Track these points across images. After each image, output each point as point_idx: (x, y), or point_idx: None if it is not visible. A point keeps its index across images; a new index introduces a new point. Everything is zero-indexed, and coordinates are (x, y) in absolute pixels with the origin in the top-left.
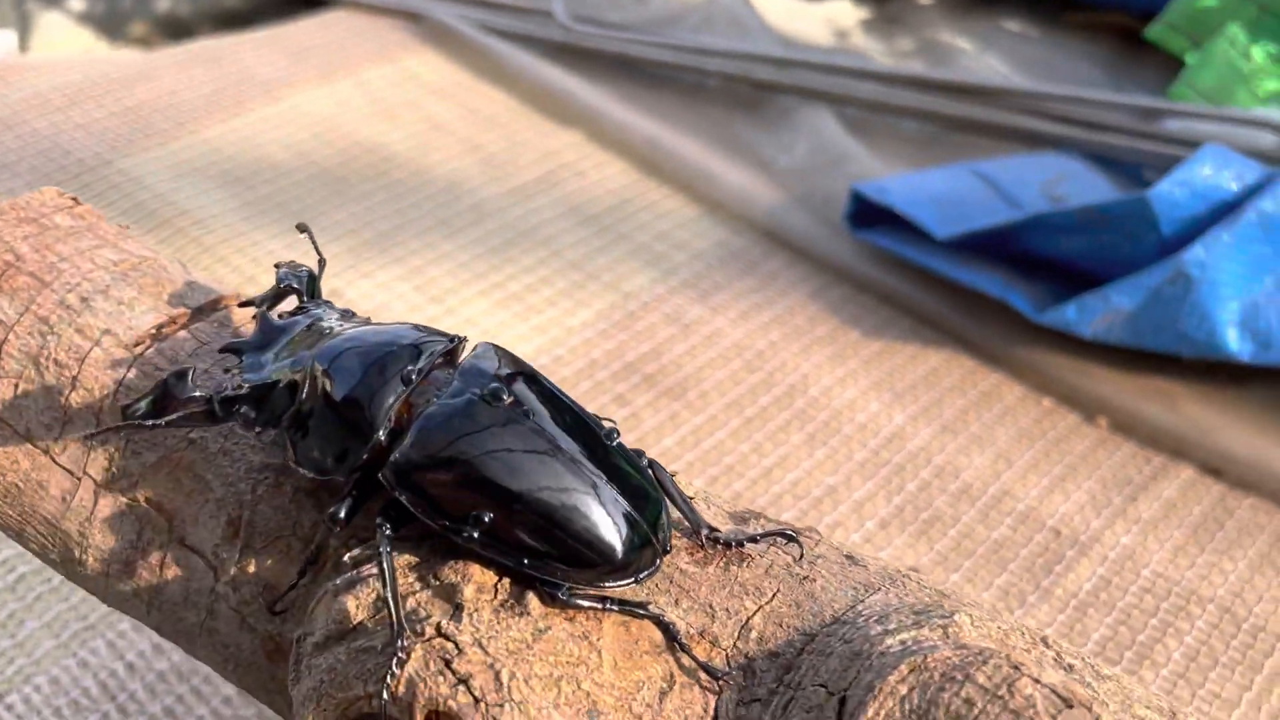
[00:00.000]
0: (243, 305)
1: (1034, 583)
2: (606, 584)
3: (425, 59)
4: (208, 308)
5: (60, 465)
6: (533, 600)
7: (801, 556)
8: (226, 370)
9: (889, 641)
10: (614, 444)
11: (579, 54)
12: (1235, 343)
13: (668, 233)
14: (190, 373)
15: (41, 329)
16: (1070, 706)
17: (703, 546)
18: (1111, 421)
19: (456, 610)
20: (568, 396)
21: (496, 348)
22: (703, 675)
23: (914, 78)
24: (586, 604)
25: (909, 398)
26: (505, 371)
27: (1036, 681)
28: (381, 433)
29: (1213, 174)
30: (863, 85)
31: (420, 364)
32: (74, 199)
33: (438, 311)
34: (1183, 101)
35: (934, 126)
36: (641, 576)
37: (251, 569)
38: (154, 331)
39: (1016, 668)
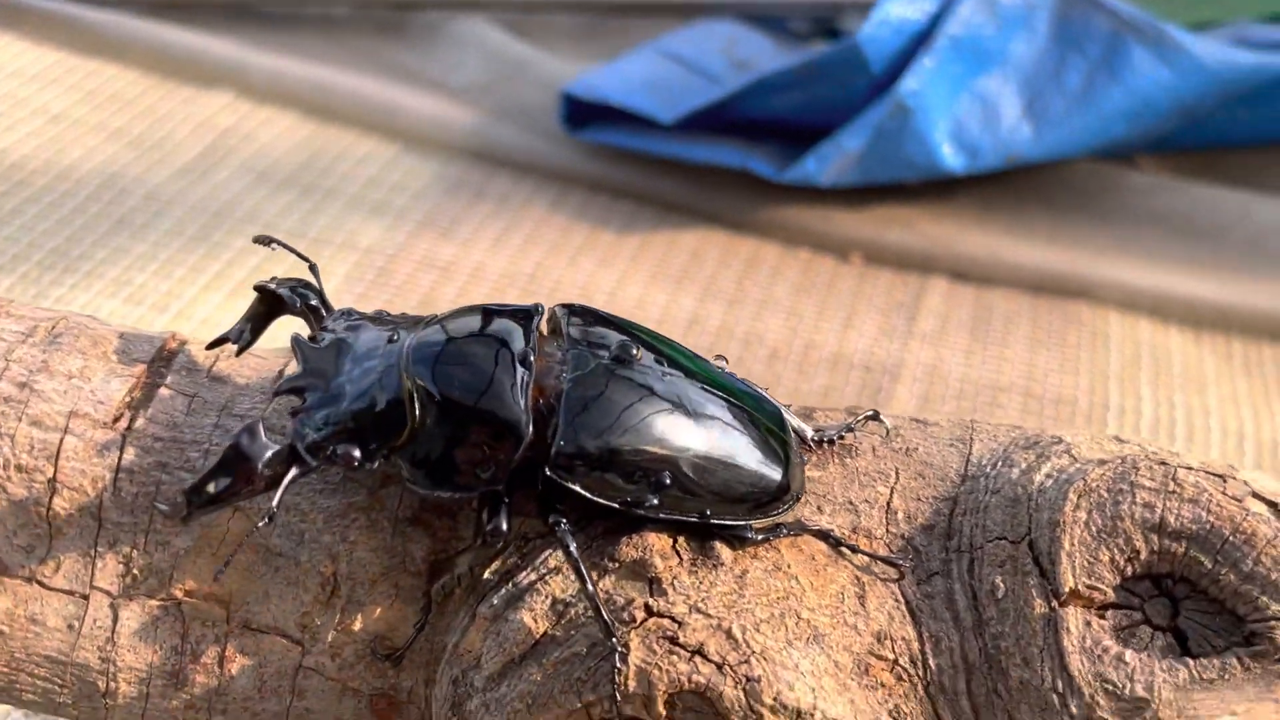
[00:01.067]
0: (213, 345)
1: None
2: (779, 511)
3: (4, 44)
4: (163, 356)
5: (56, 589)
6: (721, 549)
7: (889, 432)
8: (294, 413)
9: (1036, 479)
10: (727, 364)
11: (184, 8)
12: (951, 158)
13: (377, 177)
14: (258, 427)
15: None
16: (1223, 478)
17: (812, 450)
18: (864, 256)
19: (655, 585)
20: (660, 335)
21: (572, 305)
22: (879, 567)
23: None
24: (770, 537)
25: (687, 281)
26: (607, 327)
27: (1189, 468)
28: (528, 427)
29: (903, 8)
30: None
31: (529, 343)
32: None
33: (168, 320)
34: None
35: (586, 16)
36: (802, 495)
37: (357, 625)
38: (129, 399)
39: (1163, 463)
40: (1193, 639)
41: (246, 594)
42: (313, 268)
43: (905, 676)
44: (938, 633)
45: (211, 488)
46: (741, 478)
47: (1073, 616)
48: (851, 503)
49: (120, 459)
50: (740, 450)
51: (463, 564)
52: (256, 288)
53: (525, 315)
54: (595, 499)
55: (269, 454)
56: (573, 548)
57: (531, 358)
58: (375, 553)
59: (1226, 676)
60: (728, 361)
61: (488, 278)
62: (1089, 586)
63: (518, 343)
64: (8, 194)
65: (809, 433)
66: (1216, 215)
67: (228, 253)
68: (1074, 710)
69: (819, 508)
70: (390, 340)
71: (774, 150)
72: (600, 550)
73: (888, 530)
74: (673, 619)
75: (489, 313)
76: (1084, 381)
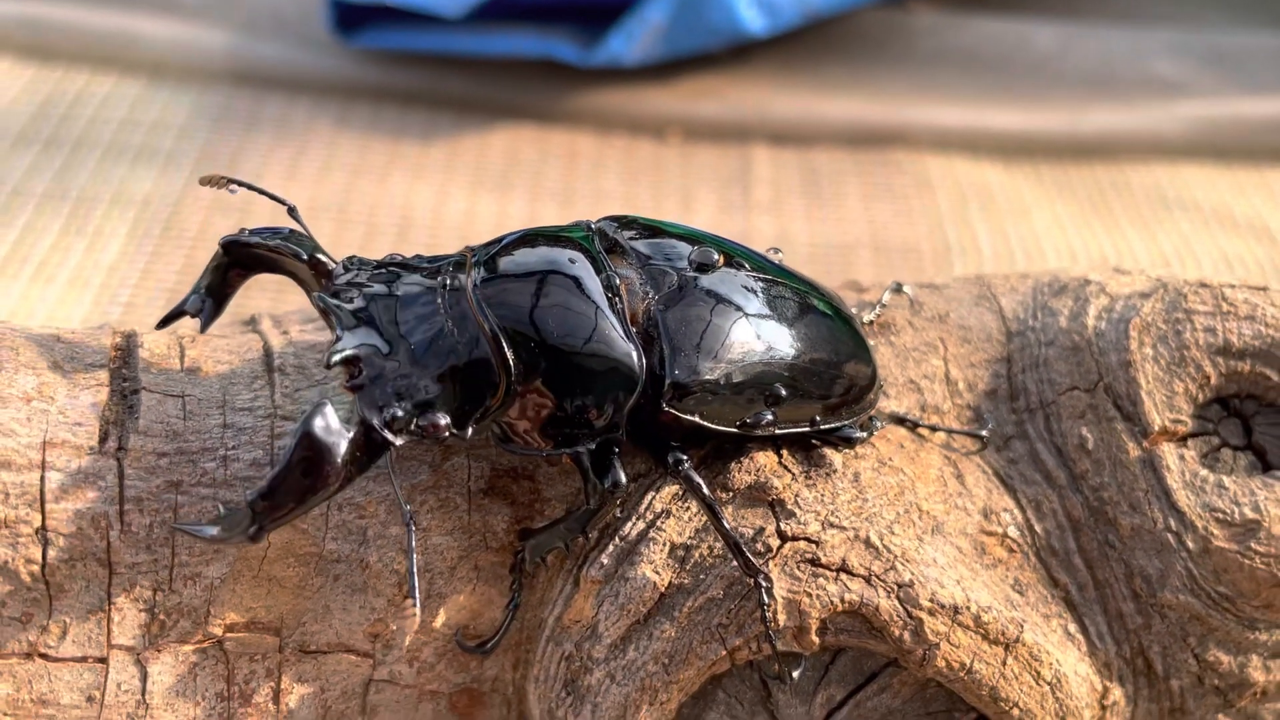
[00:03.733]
0: (164, 323)
1: None
2: (873, 404)
3: None
4: (118, 354)
5: (66, 659)
6: (830, 456)
7: (913, 302)
8: (354, 387)
9: (1089, 323)
10: (780, 256)
11: None
12: (753, 20)
13: (130, 118)
14: (329, 410)
15: None
16: (1264, 289)
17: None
18: (681, 133)
19: (778, 507)
20: (707, 233)
21: (618, 217)
22: (959, 442)
23: None
24: (871, 433)
25: (509, 185)
26: (666, 236)
27: (1233, 287)
28: (638, 359)
29: None
30: None
31: (607, 266)
32: None
33: None
34: None
35: None
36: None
37: (438, 620)
38: (108, 414)
39: (1204, 284)
40: (1271, 452)
41: (301, 613)
42: (292, 211)
43: (1015, 547)
44: (1035, 496)
45: (285, 493)
46: (845, 374)
47: (1169, 454)
48: (913, 381)
49: (122, 488)
50: (840, 347)
51: (562, 533)
52: (226, 243)
53: (581, 236)
54: (713, 426)
55: (349, 438)
56: (705, 488)
57: (617, 281)
58: (452, 535)
59: None
60: (783, 254)
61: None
62: (1173, 420)
63: (595, 268)
64: None
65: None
66: (998, 46)
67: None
68: (1190, 545)
69: (885, 392)
70: (440, 286)
71: (573, 32)
72: (707, 480)
73: (953, 403)
74: (808, 540)
75: (539, 238)
76: (921, 228)
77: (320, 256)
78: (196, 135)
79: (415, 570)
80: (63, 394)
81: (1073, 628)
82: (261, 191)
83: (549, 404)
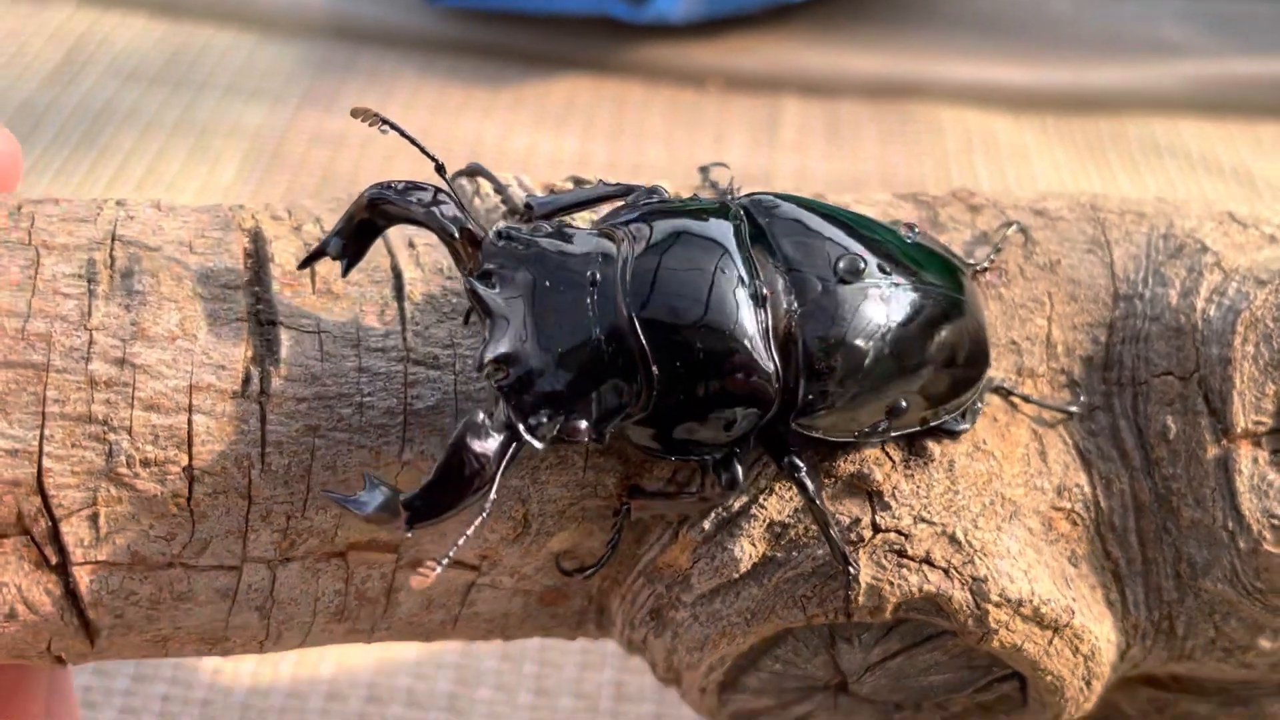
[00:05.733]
0: (305, 264)
1: None
2: (983, 389)
3: None
4: (252, 263)
5: (204, 567)
6: (930, 446)
7: (1026, 240)
8: (503, 389)
9: (1197, 305)
10: (915, 239)
11: None
12: None
13: (245, 65)
14: (478, 424)
15: (85, 432)
16: None
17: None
18: (720, 83)
19: (877, 498)
20: (847, 211)
21: (761, 200)
22: (1046, 414)
23: None
24: (973, 422)
25: (566, 125)
26: (810, 228)
27: None
28: (776, 381)
29: None
30: None
31: (755, 274)
32: None
33: None
34: None
35: None
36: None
37: (542, 550)
38: (250, 353)
39: None
40: None
41: (420, 537)
42: (440, 169)
43: (1079, 521)
44: (1108, 474)
45: (439, 500)
46: (966, 374)
47: (1244, 456)
48: (1014, 342)
49: (264, 432)
50: (964, 349)
51: (671, 507)
52: (372, 199)
53: (730, 227)
54: (833, 438)
55: (495, 450)
56: (818, 499)
57: (764, 291)
58: (566, 488)
59: None
60: (916, 230)
61: (379, 148)
62: (1255, 422)
63: (745, 277)
64: None
65: (967, 269)
66: (1015, 10)
67: (119, 153)
68: (1241, 545)
69: (991, 340)
70: (590, 283)
71: None
72: (812, 464)
73: (1049, 366)
74: (899, 532)
75: (692, 231)
76: (928, 168)
77: (470, 227)
78: (300, 80)
79: (455, 548)
80: (204, 331)
81: (1114, 596)
82: (412, 140)
83: (685, 417)
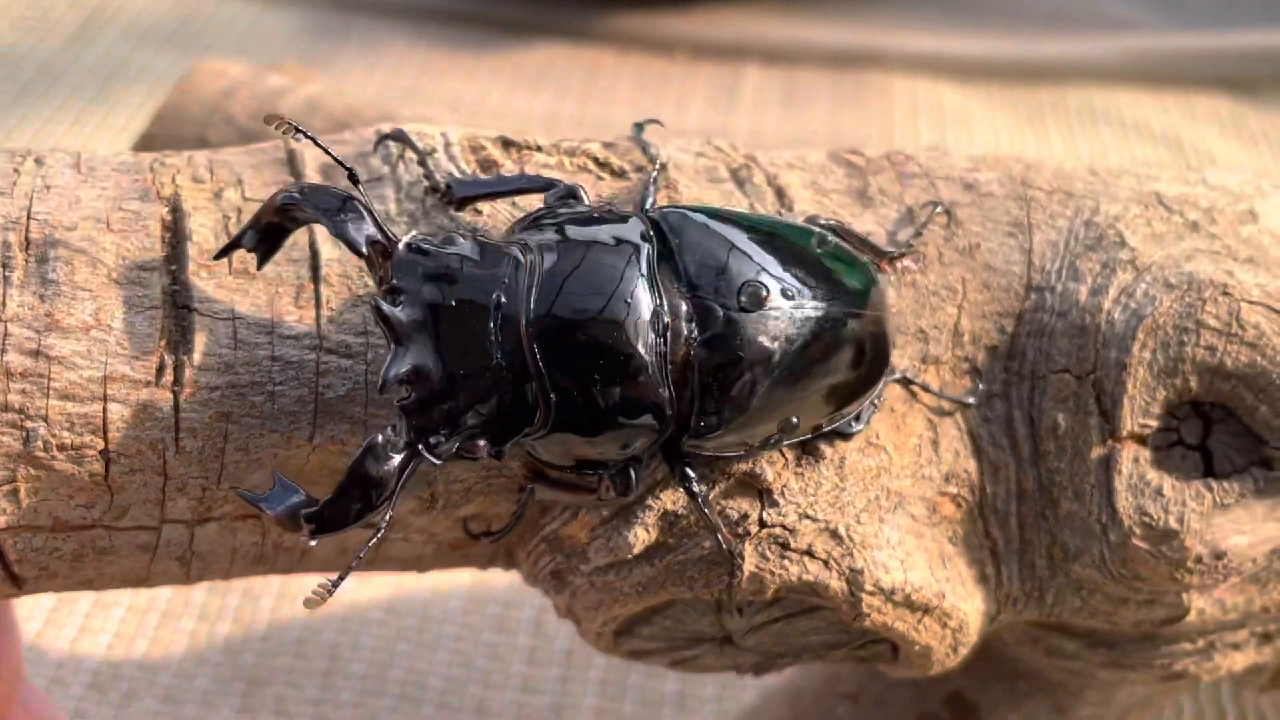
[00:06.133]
0: (221, 255)
1: None
2: (878, 394)
3: None
4: (170, 236)
5: (125, 528)
6: (820, 444)
7: (950, 220)
8: (406, 410)
9: (1104, 305)
10: (827, 249)
11: None
12: None
13: (249, 31)
14: (379, 445)
15: (2, 419)
16: None
17: (890, 272)
18: (688, 51)
19: (766, 495)
20: (760, 218)
21: (669, 215)
22: (945, 405)
23: None
24: (868, 421)
25: (540, 88)
26: (715, 242)
27: (1252, 303)
28: (670, 410)
29: None
30: None
31: (660, 301)
32: None
33: None
34: None
35: None
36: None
37: (449, 518)
38: (164, 341)
39: (1227, 292)
40: (1217, 456)
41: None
42: (352, 176)
43: (963, 504)
44: (997, 461)
45: (339, 516)
46: (863, 386)
47: (1126, 457)
48: (923, 330)
49: (178, 419)
50: (864, 362)
51: (569, 500)
52: (283, 206)
53: (637, 250)
54: (725, 455)
55: (394, 471)
56: (706, 506)
57: (665, 319)
58: (471, 469)
59: (1242, 497)
60: (830, 230)
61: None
62: (1142, 425)
63: (647, 303)
64: None
65: (885, 256)
66: None
67: (127, 108)
68: (1111, 538)
69: (893, 342)
70: (495, 301)
71: None
72: (707, 462)
73: (953, 353)
74: (784, 528)
75: (599, 248)
76: (872, 131)
77: (379, 239)
78: (298, 45)
79: (353, 562)
80: (119, 320)
81: (989, 570)
82: (325, 149)
83: (580, 439)
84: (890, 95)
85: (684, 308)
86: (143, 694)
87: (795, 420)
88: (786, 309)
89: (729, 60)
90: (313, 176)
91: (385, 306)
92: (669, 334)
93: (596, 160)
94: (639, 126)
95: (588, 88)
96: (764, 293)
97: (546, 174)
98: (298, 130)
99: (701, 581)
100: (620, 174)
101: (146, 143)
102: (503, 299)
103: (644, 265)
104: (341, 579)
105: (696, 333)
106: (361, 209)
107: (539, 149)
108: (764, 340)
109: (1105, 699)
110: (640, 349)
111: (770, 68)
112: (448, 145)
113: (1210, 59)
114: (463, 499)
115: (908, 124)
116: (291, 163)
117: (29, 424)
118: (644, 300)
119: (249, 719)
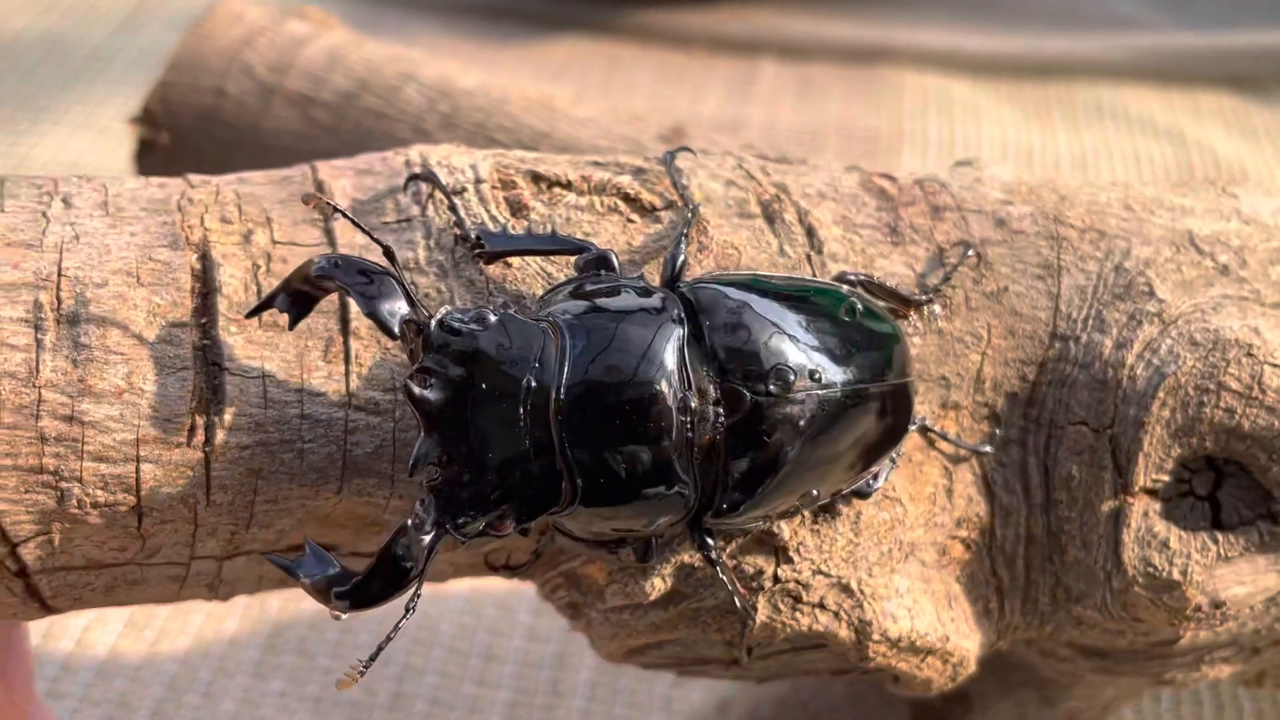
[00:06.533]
0: (253, 314)
1: None
2: (896, 454)
3: None
4: (200, 289)
5: (156, 564)
6: (838, 504)
7: (980, 262)
8: (434, 490)
9: (1127, 360)
10: (856, 315)
11: None
12: None
13: None
14: (410, 530)
15: (37, 480)
16: None
17: (916, 318)
18: (706, 46)
19: (782, 553)
20: (791, 284)
21: (701, 291)
22: (962, 452)
23: None
24: (886, 478)
25: (562, 79)
26: (746, 324)
27: (1275, 365)
28: (695, 495)
29: None
30: None
31: (687, 383)
32: None
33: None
34: None
35: None
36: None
37: (471, 553)
38: (194, 404)
39: (1251, 354)
40: (1225, 508)
41: (358, 542)
42: (388, 253)
43: (973, 546)
44: (1008, 505)
45: (370, 595)
46: (884, 446)
47: (1136, 511)
48: (945, 378)
49: (209, 476)
50: (886, 428)
51: (588, 554)
52: (316, 277)
53: (668, 333)
54: (747, 528)
55: (424, 551)
56: (723, 571)
57: (692, 403)
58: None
59: (1246, 550)
60: (860, 294)
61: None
62: (1154, 480)
63: (676, 388)
64: None
65: (912, 303)
66: None
67: None
68: (1114, 585)
69: (914, 398)
70: (526, 386)
71: None
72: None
73: (973, 399)
74: (798, 583)
75: (630, 335)
76: (884, 121)
77: (411, 318)
78: None
79: (384, 644)
80: (151, 383)
81: (993, 605)
82: (362, 228)
83: (603, 519)
84: (901, 89)
85: (712, 392)
86: (149, 680)
87: (816, 493)
88: (814, 391)
89: (746, 54)
90: (343, 208)
91: (416, 389)
92: (696, 418)
93: (627, 197)
94: (670, 154)
95: (607, 79)
96: (792, 377)
97: (577, 214)
98: (335, 209)
99: (715, 627)
100: (651, 211)
101: (163, 92)
102: (532, 384)
103: (673, 349)
104: (373, 659)
105: (724, 417)
106: (394, 284)
107: (569, 185)
108: (790, 425)
109: (1093, 694)
110: (666, 435)
111: (785, 62)
112: (478, 182)
113: (1216, 57)
114: (483, 541)
115: (917, 117)
116: (320, 192)
117: (64, 485)
118: (672, 385)
119: (251, 711)
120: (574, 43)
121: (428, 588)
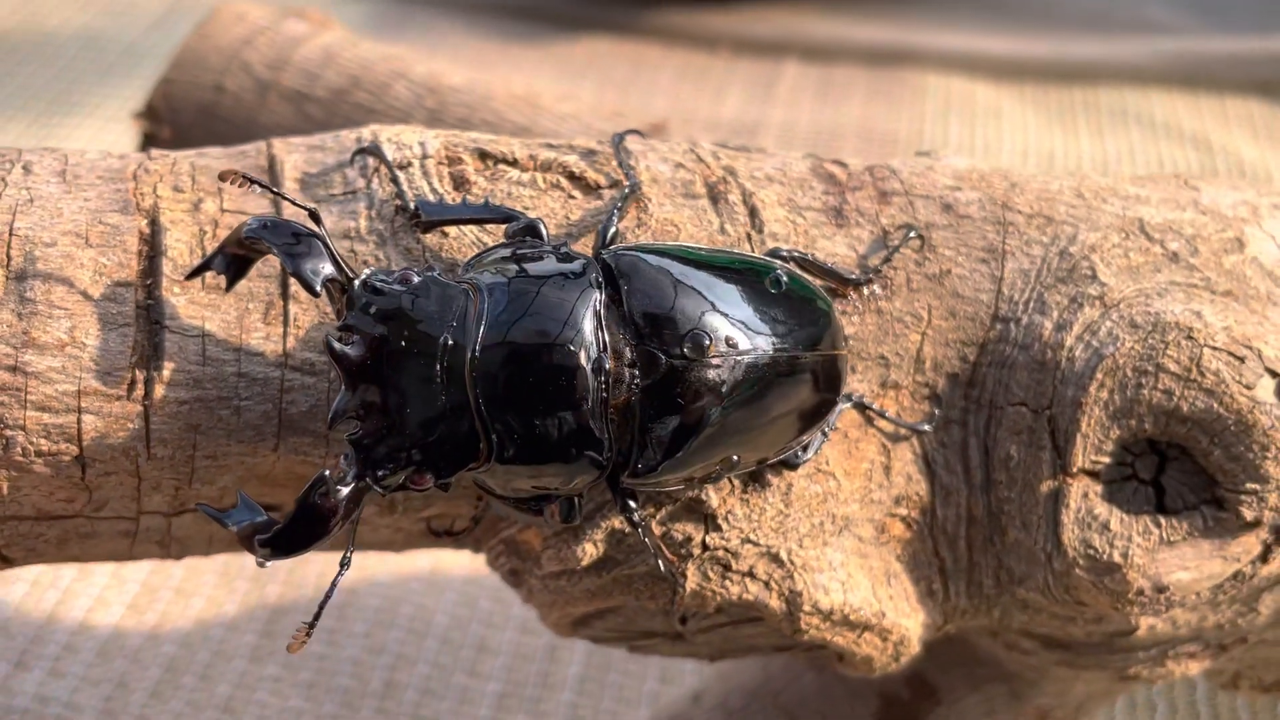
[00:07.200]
0: (192, 276)
1: None
2: (828, 423)
3: None
4: (147, 250)
5: (105, 518)
6: (767, 474)
7: (923, 245)
8: (356, 443)
9: (1066, 341)
10: (782, 286)
11: None
12: None
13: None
14: (329, 479)
15: None
16: (1242, 360)
17: (853, 299)
18: (730, 47)
19: (710, 521)
20: (717, 256)
21: (621, 259)
22: (901, 430)
23: None
24: (817, 450)
25: (585, 78)
26: (667, 292)
27: (1215, 349)
28: (608, 453)
29: None
30: None
31: (602, 345)
32: None
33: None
34: None
35: None
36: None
37: (411, 517)
38: (135, 358)
39: (1190, 336)
40: (1169, 492)
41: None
42: (313, 215)
43: (913, 525)
44: (948, 485)
45: (290, 543)
46: (810, 419)
47: (1075, 493)
48: (884, 357)
49: (148, 429)
50: (811, 402)
51: (520, 518)
52: (247, 238)
53: (586, 296)
54: (666, 490)
55: (343, 502)
56: (647, 534)
57: (607, 364)
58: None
59: (1190, 535)
60: (786, 269)
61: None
62: (1094, 461)
63: (590, 349)
64: (3, 57)
65: (850, 284)
66: None
67: None
68: (1055, 567)
69: (853, 367)
70: (443, 344)
71: None
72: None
73: (913, 379)
74: (726, 550)
75: (546, 289)
76: (904, 123)
77: (336, 278)
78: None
79: (321, 605)
80: (93, 337)
81: (936, 586)
82: (279, 194)
83: (522, 474)
84: (924, 92)
85: (628, 354)
86: (148, 663)
87: (736, 459)
88: (730, 356)
89: (769, 56)
90: (291, 184)
91: (336, 345)
92: (610, 379)
93: (571, 175)
94: (619, 137)
95: (630, 79)
96: (707, 341)
97: (519, 189)
98: (253, 182)
99: (647, 594)
100: (594, 189)
101: (166, 88)
102: (449, 341)
103: (590, 312)
104: (317, 619)
105: (639, 379)
106: (321, 247)
107: (514, 163)
108: (707, 389)
109: (1062, 690)
110: (579, 394)
111: (808, 63)
112: (424, 158)
113: (1246, 62)
114: (423, 504)
115: (938, 120)
116: (272, 169)
117: (8, 432)
118: (586, 346)
119: (246, 695)
120: (598, 43)
121: (425, 580)
